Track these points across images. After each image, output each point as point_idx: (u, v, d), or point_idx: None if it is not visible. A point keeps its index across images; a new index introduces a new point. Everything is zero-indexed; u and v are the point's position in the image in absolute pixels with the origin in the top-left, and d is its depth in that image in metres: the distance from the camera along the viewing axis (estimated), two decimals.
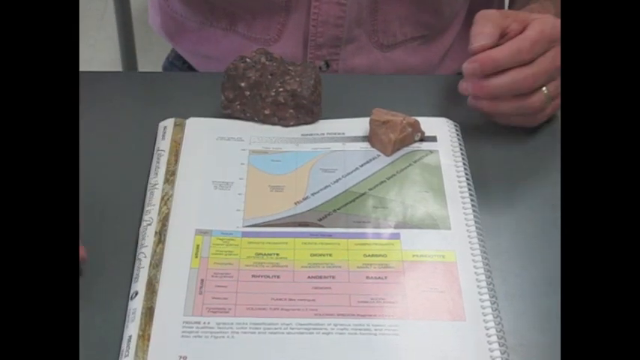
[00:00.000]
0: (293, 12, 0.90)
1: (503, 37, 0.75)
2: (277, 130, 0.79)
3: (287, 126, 0.80)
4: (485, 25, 0.75)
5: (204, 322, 0.64)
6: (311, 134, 0.79)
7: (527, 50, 0.73)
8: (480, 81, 0.74)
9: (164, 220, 0.71)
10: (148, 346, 0.63)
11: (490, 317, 0.64)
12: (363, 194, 0.74)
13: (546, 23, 0.75)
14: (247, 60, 0.79)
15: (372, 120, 0.77)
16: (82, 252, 0.67)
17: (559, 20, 0.76)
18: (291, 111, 0.79)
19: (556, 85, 0.76)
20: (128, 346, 0.62)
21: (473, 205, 0.72)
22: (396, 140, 0.76)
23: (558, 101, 0.77)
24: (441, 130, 0.79)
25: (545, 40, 0.74)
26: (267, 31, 0.91)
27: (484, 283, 0.67)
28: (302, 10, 0.90)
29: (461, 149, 0.77)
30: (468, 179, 0.74)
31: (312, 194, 0.74)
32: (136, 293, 0.66)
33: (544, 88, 0.75)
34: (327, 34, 0.90)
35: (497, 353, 0.62)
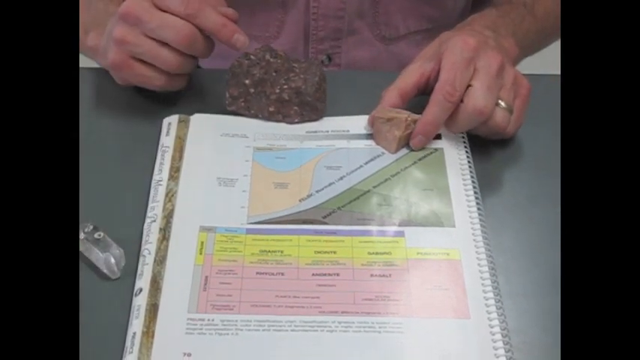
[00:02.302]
0: (291, 7, 0.90)
1: (428, 82, 0.76)
2: (282, 127, 0.79)
3: (291, 123, 0.80)
4: (386, 101, 0.77)
5: (209, 319, 0.64)
6: (315, 131, 0.79)
7: (451, 92, 0.72)
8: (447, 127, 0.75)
9: (168, 217, 0.71)
10: (152, 342, 0.63)
11: (494, 315, 0.64)
12: (368, 192, 0.74)
13: (454, 51, 0.74)
14: (251, 57, 0.78)
15: (376, 117, 0.77)
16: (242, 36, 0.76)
17: (466, 36, 0.75)
18: (296, 108, 0.79)
19: (506, 90, 0.74)
20: (132, 342, 0.62)
21: (477, 203, 0.72)
22: (400, 137, 0.76)
23: (519, 103, 0.75)
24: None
25: (462, 69, 0.72)
26: (267, 27, 0.92)
27: (488, 281, 0.67)
28: (300, 4, 0.90)
29: (465, 147, 0.77)
30: (472, 177, 0.74)
31: (317, 191, 0.74)
32: (140, 290, 0.66)
33: (501, 102, 0.73)
34: (328, 27, 0.90)
35: (501, 351, 0.62)
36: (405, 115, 0.76)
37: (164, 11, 0.73)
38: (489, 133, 0.76)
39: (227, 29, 0.75)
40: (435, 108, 0.73)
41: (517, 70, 0.77)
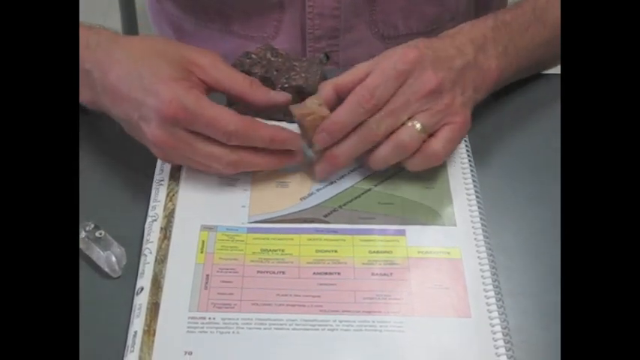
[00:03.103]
0: (288, 7, 0.90)
1: None
2: (283, 126, 0.79)
3: (292, 122, 0.79)
4: (320, 93, 0.72)
5: (210, 318, 0.64)
6: None
7: (367, 99, 0.68)
8: (330, 153, 0.71)
9: (169, 216, 0.71)
10: (153, 341, 0.63)
11: (495, 314, 0.65)
12: (369, 190, 0.74)
13: (390, 59, 0.70)
14: (253, 56, 0.78)
15: (296, 111, 0.72)
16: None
17: (410, 47, 0.71)
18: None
19: (429, 115, 0.70)
20: (133, 341, 0.63)
21: (478, 202, 0.72)
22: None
23: (448, 129, 0.71)
24: None
25: (388, 79, 0.69)
26: (264, 28, 0.92)
27: (489, 280, 0.67)
28: (296, 4, 0.90)
29: (466, 146, 0.77)
30: (473, 176, 0.74)
31: (318, 190, 0.74)
32: (142, 289, 0.66)
33: (416, 123, 0.69)
34: (324, 25, 0.90)
35: (502, 350, 0.63)
36: (325, 113, 0.71)
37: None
38: (394, 156, 0.71)
39: (276, 142, 0.70)
40: (346, 109, 0.69)
41: (459, 99, 0.71)
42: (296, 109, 0.72)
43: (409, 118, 0.70)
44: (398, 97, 0.69)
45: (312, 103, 0.72)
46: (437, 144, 0.71)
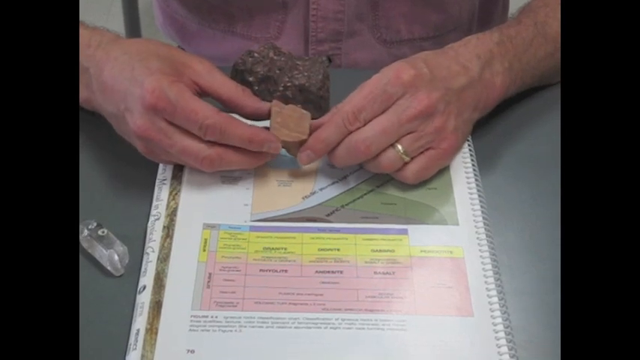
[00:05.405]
0: (291, 9, 0.90)
1: None
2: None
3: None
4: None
5: (212, 316, 0.64)
6: None
7: (351, 121, 0.69)
8: (329, 155, 0.72)
9: (172, 215, 0.71)
10: (155, 339, 0.63)
11: (498, 313, 0.65)
12: (371, 190, 0.74)
13: (380, 80, 0.70)
14: (255, 55, 0.78)
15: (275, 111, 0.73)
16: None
17: (405, 68, 0.70)
18: (300, 106, 0.79)
19: (412, 139, 0.70)
20: (136, 339, 0.63)
21: (481, 201, 0.72)
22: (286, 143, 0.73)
23: (431, 154, 0.71)
24: None
25: (375, 101, 0.69)
26: (267, 29, 0.92)
27: (492, 279, 0.67)
28: (300, 6, 0.90)
29: (469, 145, 0.77)
30: (475, 175, 0.74)
31: (320, 189, 0.74)
32: (144, 287, 0.66)
33: (398, 146, 0.70)
34: (327, 29, 0.90)
35: (504, 349, 0.63)
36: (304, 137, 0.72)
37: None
38: (380, 172, 0.73)
39: (254, 143, 0.70)
40: (331, 129, 0.70)
41: (452, 123, 0.71)
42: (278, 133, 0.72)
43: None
44: (390, 115, 0.69)
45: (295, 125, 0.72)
46: (409, 170, 0.72)
